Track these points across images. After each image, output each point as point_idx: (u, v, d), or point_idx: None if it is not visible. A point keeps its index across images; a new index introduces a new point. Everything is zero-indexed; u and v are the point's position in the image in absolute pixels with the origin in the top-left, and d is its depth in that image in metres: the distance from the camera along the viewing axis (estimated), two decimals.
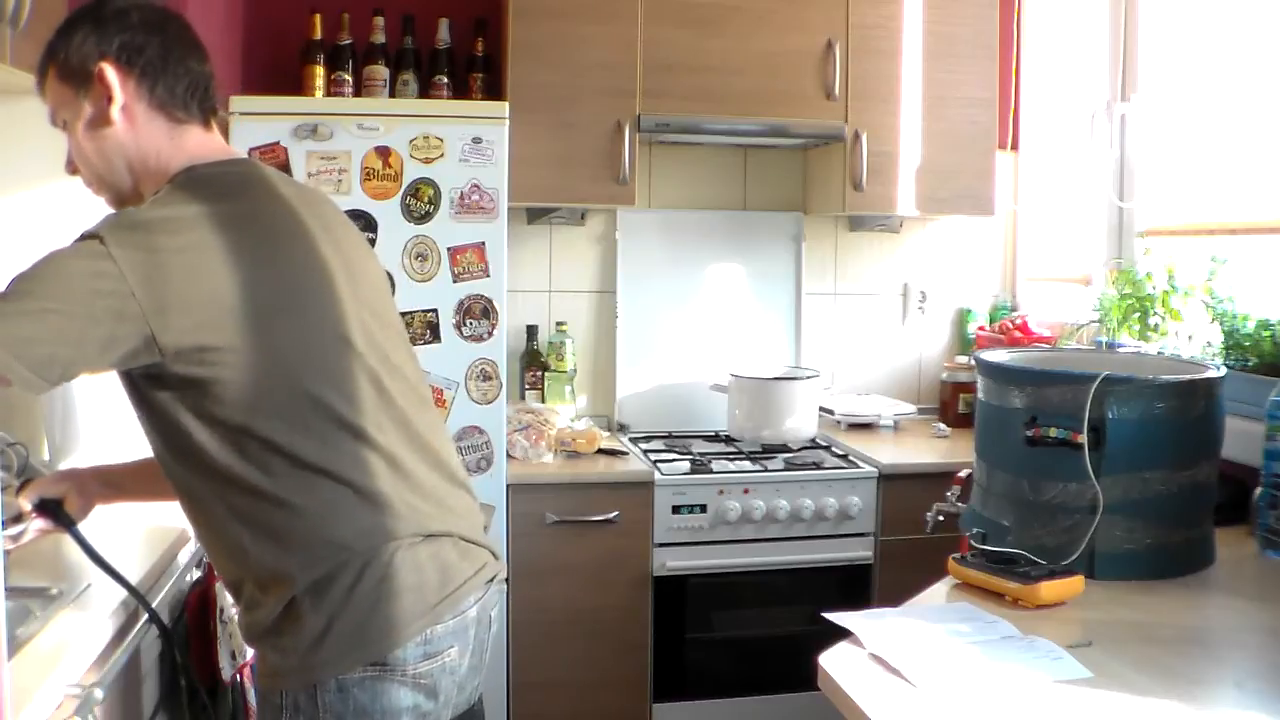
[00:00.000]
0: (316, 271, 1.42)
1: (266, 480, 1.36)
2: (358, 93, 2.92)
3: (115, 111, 1.42)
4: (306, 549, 1.37)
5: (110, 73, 1.41)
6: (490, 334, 2.63)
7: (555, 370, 3.14)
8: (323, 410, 1.38)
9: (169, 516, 2.12)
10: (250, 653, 2.13)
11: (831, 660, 1.45)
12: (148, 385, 1.35)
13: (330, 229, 1.48)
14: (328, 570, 1.37)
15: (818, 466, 2.86)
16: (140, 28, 1.43)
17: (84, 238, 1.31)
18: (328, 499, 1.38)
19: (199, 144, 1.47)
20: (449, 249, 2.60)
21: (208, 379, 1.33)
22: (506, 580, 2.67)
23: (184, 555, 2.03)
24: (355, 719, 1.37)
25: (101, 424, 2.20)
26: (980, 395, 2.02)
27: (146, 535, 1.99)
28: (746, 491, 2.74)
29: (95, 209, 2.37)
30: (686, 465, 2.81)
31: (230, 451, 1.36)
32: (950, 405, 3.29)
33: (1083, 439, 1.76)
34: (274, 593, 1.38)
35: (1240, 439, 2.03)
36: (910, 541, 2.70)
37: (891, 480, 2.82)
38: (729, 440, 3.12)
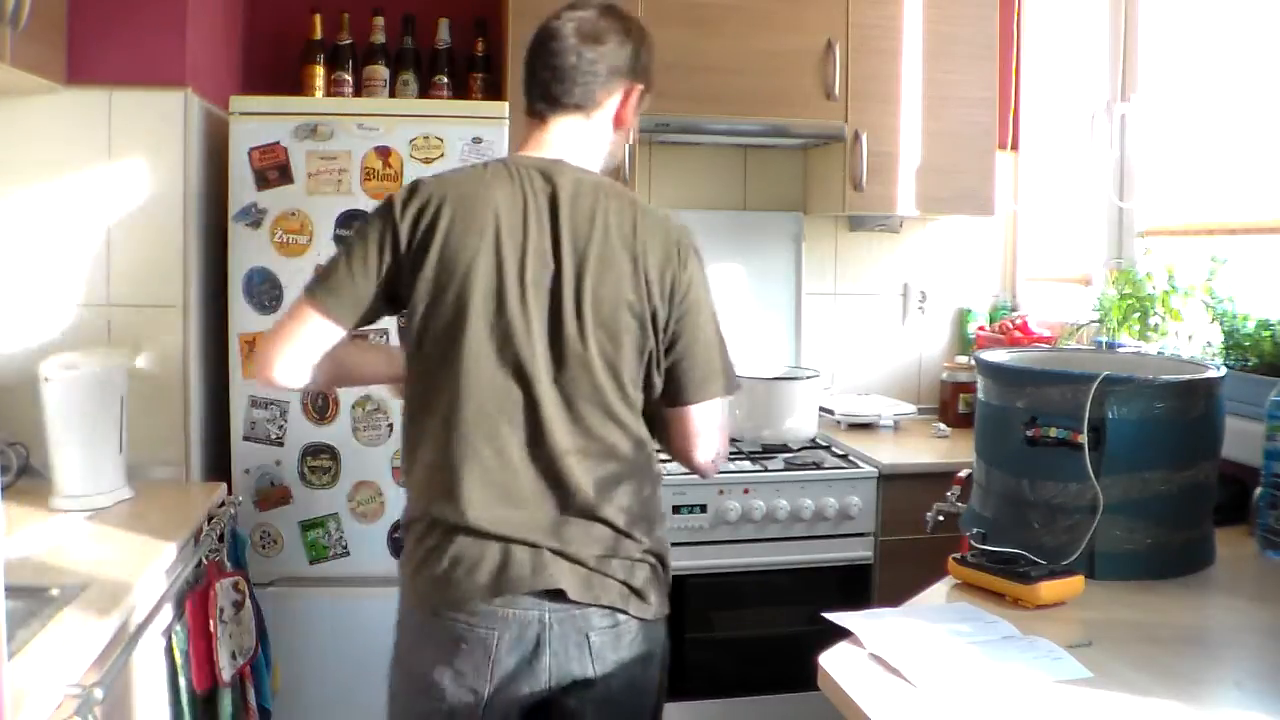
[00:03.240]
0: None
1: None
2: (358, 93, 2.92)
3: None
4: None
5: None
6: None
7: None
8: None
9: (168, 516, 2.13)
10: (250, 653, 2.14)
11: (831, 660, 1.45)
12: None
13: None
14: None
15: (818, 466, 2.86)
16: None
17: None
18: None
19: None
20: None
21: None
22: None
23: (184, 555, 2.04)
24: None
25: (101, 424, 2.19)
26: (980, 395, 2.02)
27: (147, 535, 1.99)
28: (746, 491, 2.74)
29: (93, 209, 2.38)
30: None
31: None
32: (950, 405, 3.29)
33: (1083, 439, 1.76)
34: None
35: (1240, 439, 2.03)
36: (910, 541, 2.70)
37: (891, 480, 2.82)
38: (729, 440, 3.11)
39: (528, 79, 1.70)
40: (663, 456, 1.78)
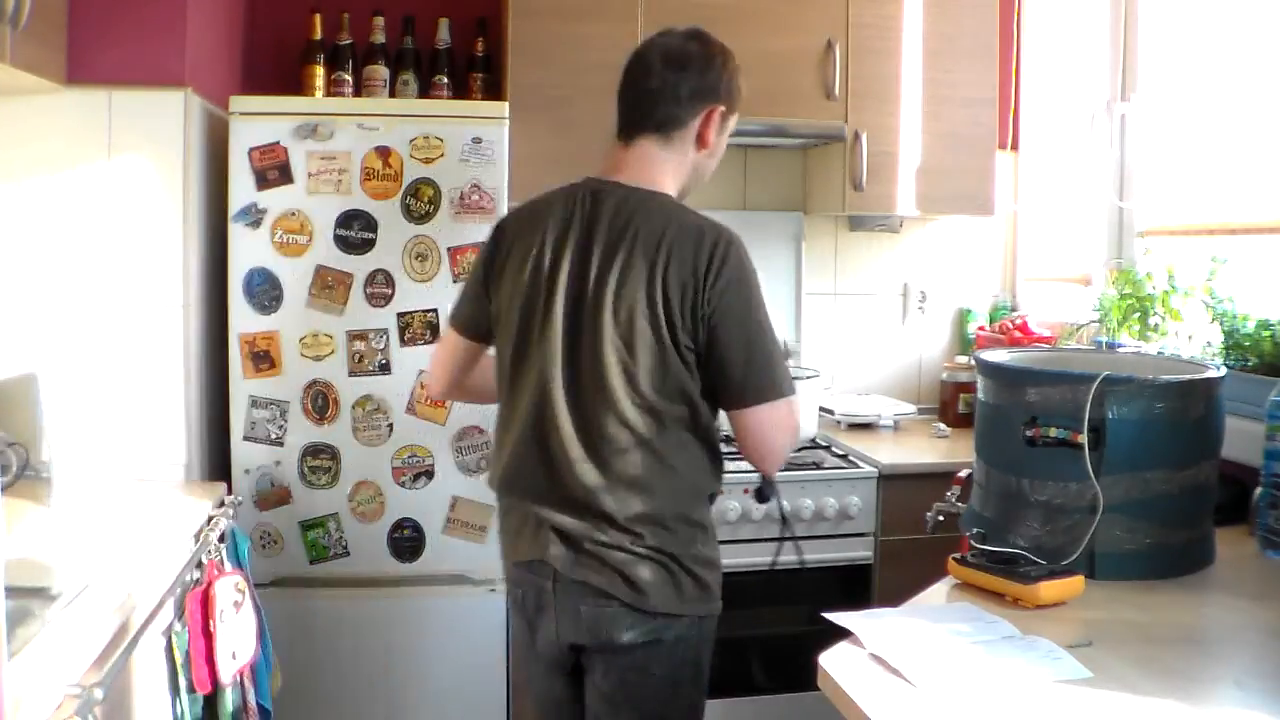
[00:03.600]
0: None
1: None
2: (358, 93, 2.92)
3: None
4: None
5: None
6: None
7: None
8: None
9: (168, 516, 2.13)
10: (251, 653, 2.14)
11: (831, 660, 1.45)
12: None
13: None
14: None
15: (818, 466, 2.86)
16: None
17: None
18: None
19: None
20: (449, 249, 2.59)
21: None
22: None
23: (185, 555, 2.04)
24: None
25: (102, 424, 2.20)
26: (980, 395, 2.02)
27: (147, 535, 1.99)
28: (746, 491, 2.74)
29: (93, 209, 2.38)
30: None
31: None
32: (950, 405, 3.29)
33: (1083, 439, 1.76)
34: None
35: (1240, 439, 2.03)
36: (910, 541, 2.70)
37: (891, 480, 2.82)
38: (729, 440, 3.11)
39: (618, 104, 1.85)
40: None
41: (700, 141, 1.83)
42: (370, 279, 2.56)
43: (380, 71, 2.94)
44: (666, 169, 1.81)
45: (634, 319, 1.68)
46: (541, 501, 1.74)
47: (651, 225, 1.72)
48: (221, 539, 2.20)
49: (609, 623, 1.71)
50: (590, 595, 1.71)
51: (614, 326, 1.69)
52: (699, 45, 1.83)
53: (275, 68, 3.02)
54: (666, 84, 1.79)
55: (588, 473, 1.70)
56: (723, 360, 1.70)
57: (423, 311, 2.59)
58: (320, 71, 2.90)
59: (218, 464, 2.61)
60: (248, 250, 2.53)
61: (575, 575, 1.71)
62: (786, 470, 2.82)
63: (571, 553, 1.71)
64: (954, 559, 1.79)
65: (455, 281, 2.60)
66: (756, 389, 1.72)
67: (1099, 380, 1.76)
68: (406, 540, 2.61)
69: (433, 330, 2.59)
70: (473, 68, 3.03)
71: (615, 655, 1.74)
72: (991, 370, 1.97)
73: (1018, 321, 3.32)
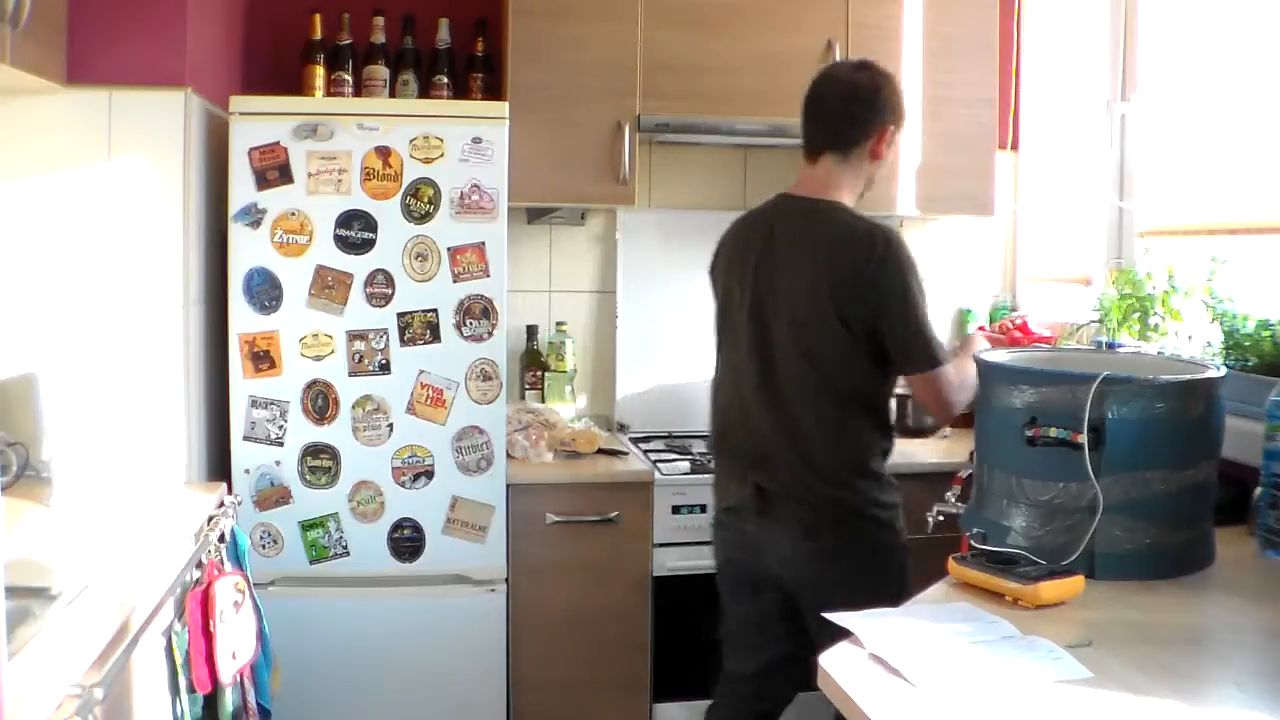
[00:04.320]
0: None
1: None
2: (358, 93, 2.92)
3: None
4: None
5: None
6: (490, 334, 2.63)
7: (555, 370, 3.14)
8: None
9: (168, 516, 2.13)
10: (250, 653, 2.14)
11: (831, 660, 1.45)
12: None
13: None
14: None
15: None
16: None
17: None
18: None
19: None
20: (449, 249, 2.60)
21: None
22: (507, 580, 2.68)
23: (185, 555, 2.04)
24: None
25: (101, 424, 2.20)
26: (980, 395, 2.02)
27: (147, 535, 1.99)
28: None
29: (93, 209, 2.38)
30: (686, 465, 2.81)
31: None
32: None
33: (1083, 439, 1.75)
34: None
35: (1240, 439, 2.03)
36: (910, 541, 2.70)
37: None
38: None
39: (803, 129, 2.21)
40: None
41: (873, 155, 2.17)
42: (370, 279, 2.56)
43: (380, 71, 2.94)
44: (844, 181, 2.17)
45: (805, 307, 2.05)
46: (740, 457, 2.17)
47: (820, 229, 2.09)
48: (221, 539, 2.20)
49: (798, 559, 2.09)
50: (780, 536, 2.10)
51: (789, 315, 2.07)
52: (868, 75, 2.16)
53: (275, 68, 3.02)
54: (842, 110, 2.14)
55: (774, 434, 2.09)
56: (884, 339, 2.06)
57: (423, 311, 2.59)
58: (320, 71, 2.90)
59: (218, 464, 2.62)
60: (248, 250, 2.53)
61: (766, 521, 2.12)
62: None
63: (763, 502, 2.12)
64: (954, 559, 1.79)
65: (455, 282, 2.60)
66: (913, 360, 2.08)
67: (1099, 380, 1.76)
68: (406, 540, 2.61)
69: (432, 330, 2.60)
70: (473, 68, 3.03)
71: (808, 586, 2.10)
72: (991, 370, 1.97)
73: (1018, 321, 3.31)
